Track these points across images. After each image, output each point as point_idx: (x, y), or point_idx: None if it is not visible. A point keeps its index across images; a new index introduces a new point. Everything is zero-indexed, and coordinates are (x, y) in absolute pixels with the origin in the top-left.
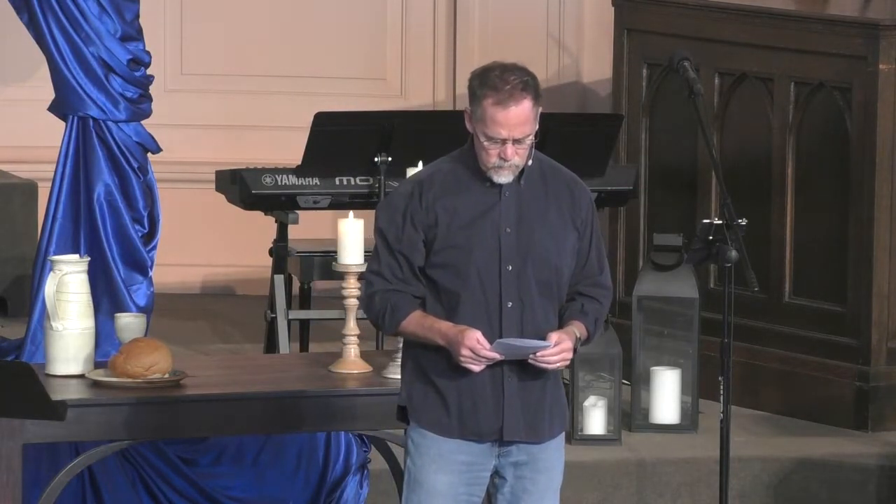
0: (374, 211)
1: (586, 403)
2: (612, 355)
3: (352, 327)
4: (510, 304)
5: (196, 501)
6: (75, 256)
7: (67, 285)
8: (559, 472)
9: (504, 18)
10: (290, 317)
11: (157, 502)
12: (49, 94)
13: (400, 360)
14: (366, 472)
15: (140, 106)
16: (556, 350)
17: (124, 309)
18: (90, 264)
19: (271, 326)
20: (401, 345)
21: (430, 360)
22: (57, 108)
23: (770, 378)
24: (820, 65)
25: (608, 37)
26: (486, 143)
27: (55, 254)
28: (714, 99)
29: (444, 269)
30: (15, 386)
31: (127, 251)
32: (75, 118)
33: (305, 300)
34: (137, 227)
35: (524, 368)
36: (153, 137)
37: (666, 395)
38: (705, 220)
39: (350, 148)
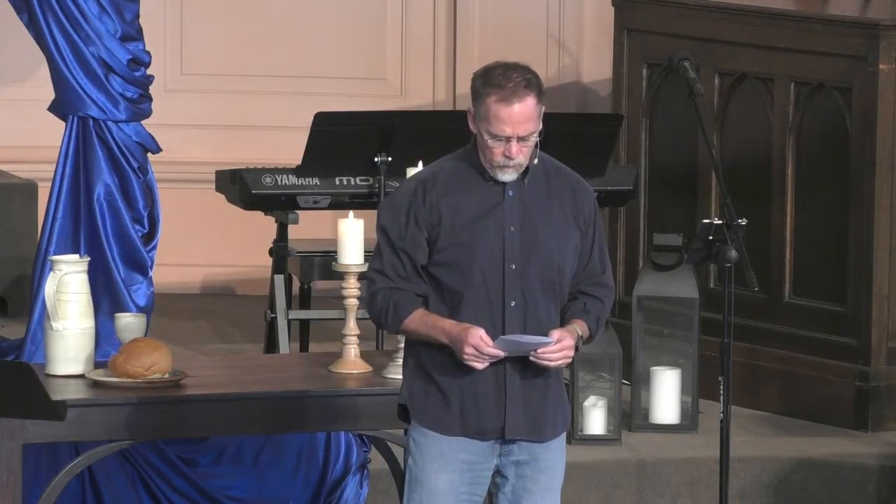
0: (374, 211)
1: (586, 403)
2: (612, 355)
3: (352, 327)
4: (513, 303)
5: (196, 501)
6: (75, 256)
7: (67, 285)
8: (560, 472)
9: (504, 18)
10: (290, 317)
11: (157, 502)
12: (49, 94)
13: (400, 360)
14: (366, 472)
15: (140, 106)
16: (557, 347)
17: (124, 309)
18: (90, 264)
19: (271, 326)
20: (401, 344)
21: (433, 359)
22: (57, 108)
23: (770, 378)
24: (820, 65)
25: (608, 37)
26: (490, 142)
27: (55, 254)
28: (714, 99)
29: (447, 268)
30: (15, 386)
31: (127, 251)
32: (75, 118)
33: (305, 300)
34: (137, 227)
35: (526, 367)
36: (153, 137)
37: (666, 395)
38: (705, 220)
39: (350, 148)
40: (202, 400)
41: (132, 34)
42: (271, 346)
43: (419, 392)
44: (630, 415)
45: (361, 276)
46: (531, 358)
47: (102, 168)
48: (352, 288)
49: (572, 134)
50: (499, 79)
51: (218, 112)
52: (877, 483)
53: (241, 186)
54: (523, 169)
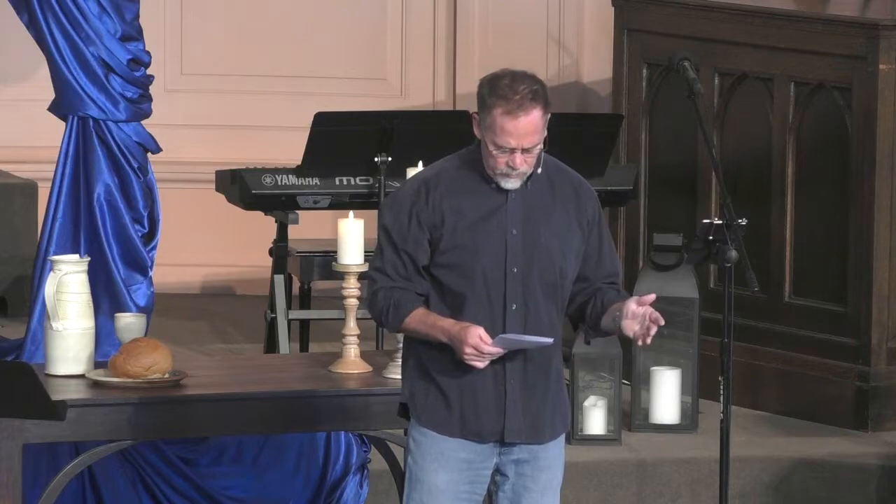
0: (374, 211)
1: (586, 403)
2: (612, 355)
3: (352, 327)
4: (514, 306)
5: (196, 501)
6: (75, 256)
7: (67, 285)
8: (560, 471)
9: (504, 18)
10: (290, 317)
11: (157, 502)
12: (49, 94)
13: (399, 360)
14: (366, 472)
15: (140, 106)
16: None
17: (124, 309)
18: (90, 264)
19: (271, 326)
20: (400, 344)
21: (433, 359)
22: (57, 108)
23: (770, 378)
24: (820, 65)
25: (608, 37)
26: (494, 152)
27: (55, 254)
28: (714, 99)
29: (449, 269)
30: (15, 386)
31: (127, 251)
32: (75, 118)
33: (305, 300)
34: (137, 227)
35: (526, 370)
36: (153, 137)
37: (666, 395)
38: (705, 220)
39: (350, 148)
40: (202, 400)
41: (132, 34)
42: (271, 346)
43: (420, 392)
44: (630, 415)
45: (361, 276)
46: (651, 326)
47: (102, 168)
48: (352, 288)
49: (572, 134)
50: (505, 90)
51: (218, 112)
52: (877, 483)
53: (241, 186)
54: (527, 177)
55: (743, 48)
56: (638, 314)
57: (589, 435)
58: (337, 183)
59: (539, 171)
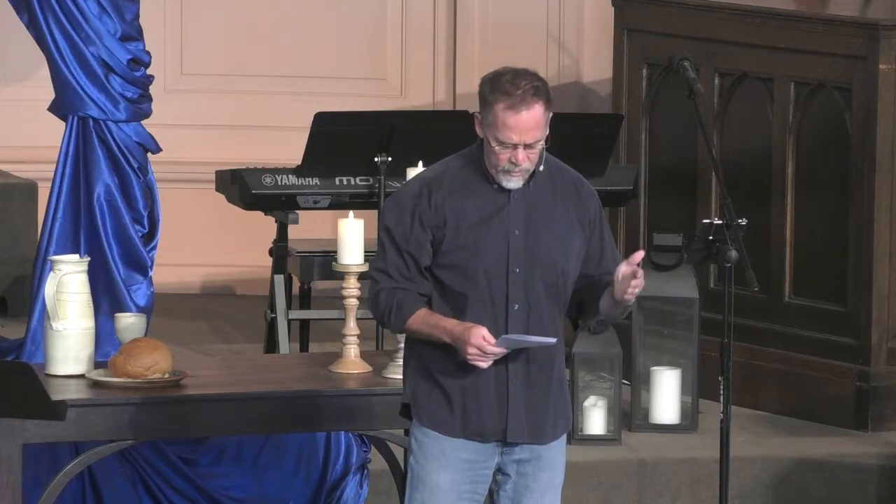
0: (374, 211)
1: (586, 403)
2: (612, 355)
3: (352, 327)
4: (516, 307)
5: (196, 501)
6: (75, 256)
7: (67, 285)
8: (561, 471)
9: (504, 18)
10: (290, 317)
11: (157, 502)
12: (49, 94)
13: (400, 360)
14: (366, 472)
15: (140, 106)
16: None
17: (124, 309)
18: (90, 264)
19: (271, 326)
20: (401, 344)
21: (435, 359)
22: (57, 108)
23: (770, 378)
24: (820, 65)
25: (608, 37)
26: (497, 148)
27: (55, 254)
28: (714, 99)
29: (451, 270)
30: (15, 386)
31: (127, 251)
32: (75, 118)
33: (305, 300)
34: (137, 227)
35: (529, 370)
36: (153, 137)
37: (666, 395)
38: (705, 220)
39: (350, 148)
40: (202, 400)
41: (132, 34)
42: (271, 346)
43: (422, 392)
44: (630, 415)
45: (361, 276)
46: (628, 297)
47: (102, 168)
48: (352, 288)
49: (572, 134)
50: (507, 86)
51: (218, 112)
52: (877, 483)
53: (241, 186)
54: (529, 175)
55: (743, 48)
56: (628, 274)
57: (589, 435)
58: (337, 183)
59: (541, 168)
